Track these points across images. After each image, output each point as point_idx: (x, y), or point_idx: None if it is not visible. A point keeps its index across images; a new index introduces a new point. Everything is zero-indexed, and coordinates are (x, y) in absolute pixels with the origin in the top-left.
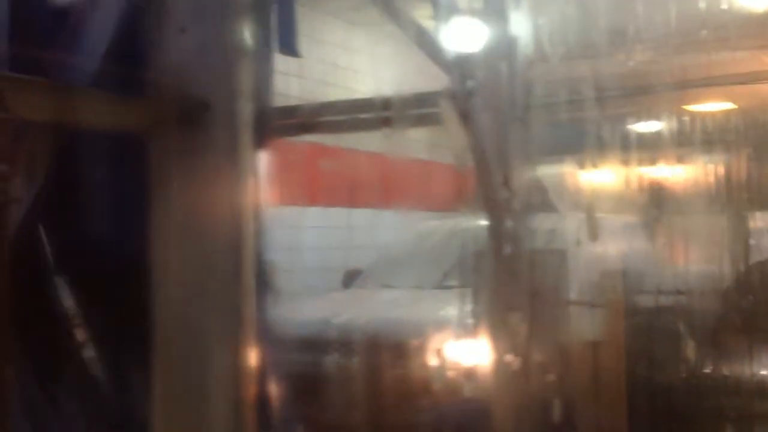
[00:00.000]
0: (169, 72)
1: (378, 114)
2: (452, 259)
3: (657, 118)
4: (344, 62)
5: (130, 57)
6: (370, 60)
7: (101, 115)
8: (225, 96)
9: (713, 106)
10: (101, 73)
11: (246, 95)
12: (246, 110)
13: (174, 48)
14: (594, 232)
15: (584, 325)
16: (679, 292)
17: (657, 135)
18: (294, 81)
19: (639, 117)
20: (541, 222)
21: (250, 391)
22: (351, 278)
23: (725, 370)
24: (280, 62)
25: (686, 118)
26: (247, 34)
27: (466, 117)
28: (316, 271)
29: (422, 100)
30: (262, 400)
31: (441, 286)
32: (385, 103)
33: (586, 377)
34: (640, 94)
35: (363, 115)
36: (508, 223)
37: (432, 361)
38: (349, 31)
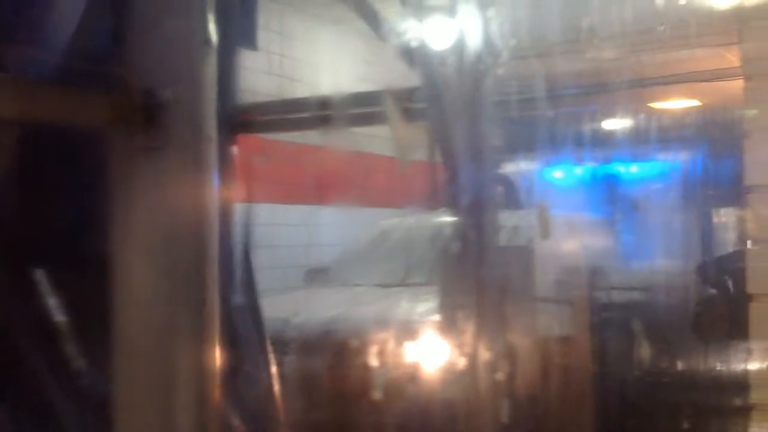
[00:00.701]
0: (133, 67)
1: (332, 111)
2: (414, 256)
3: (621, 115)
4: (312, 59)
5: (94, 52)
6: (339, 56)
7: (64, 110)
8: (189, 92)
9: (678, 103)
10: (64, 69)
11: (210, 91)
12: (210, 106)
13: (138, 43)
14: (546, 230)
15: (548, 322)
16: (633, 288)
17: (621, 132)
18: (261, 77)
19: (604, 114)
20: (506, 219)
21: (214, 389)
22: (313, 276)
23: (681, 365)
24: (249, 59)
25: (651, 115)
26: (211, 30)
27: (416, 115)
28: (278, 269)
29: (375, 97)
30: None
31: (403, 284)
32: (336, 101)
33: (551, 373)
34: (604, 92)
35: (317, 113)
36: (470, 220)
37: (392, 359)
38: (318, 28)
